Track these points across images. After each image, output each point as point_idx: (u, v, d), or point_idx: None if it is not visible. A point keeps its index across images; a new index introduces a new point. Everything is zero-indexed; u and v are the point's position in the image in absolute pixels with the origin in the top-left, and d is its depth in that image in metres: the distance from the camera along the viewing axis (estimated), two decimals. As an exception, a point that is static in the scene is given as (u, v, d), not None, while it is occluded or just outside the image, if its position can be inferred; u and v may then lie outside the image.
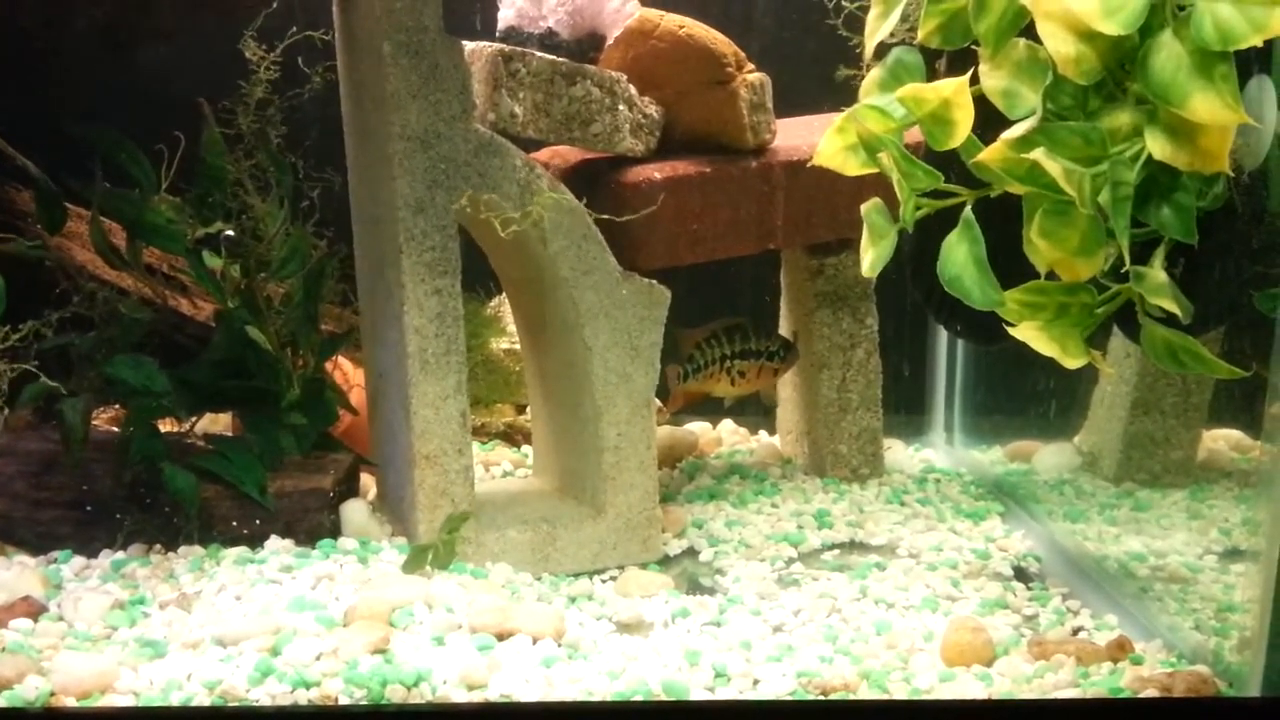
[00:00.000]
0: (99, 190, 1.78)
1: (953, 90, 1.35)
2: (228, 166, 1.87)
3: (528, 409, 2.32)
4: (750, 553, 1.82)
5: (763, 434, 2.42)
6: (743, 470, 2.16)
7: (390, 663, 1.27)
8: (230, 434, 2.01)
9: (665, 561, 1.80)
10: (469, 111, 1.65)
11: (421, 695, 1.22)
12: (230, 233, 2.00)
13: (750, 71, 1.91)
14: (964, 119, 1.35)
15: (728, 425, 2.44)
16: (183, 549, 1.68)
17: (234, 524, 1.70)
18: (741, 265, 2.04)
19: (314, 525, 1.71)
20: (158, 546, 1.70)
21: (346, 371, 2.10)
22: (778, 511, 1.96)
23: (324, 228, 1.95)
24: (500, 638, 1.35)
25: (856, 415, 2.09)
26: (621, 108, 1.85)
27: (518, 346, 2.29)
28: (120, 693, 1.25)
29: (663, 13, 1.92)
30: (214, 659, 1.29)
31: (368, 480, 1.94)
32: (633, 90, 1.85)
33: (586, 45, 1.86)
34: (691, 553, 1.85)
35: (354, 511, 1.73)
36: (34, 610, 1.49)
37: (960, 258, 1.33)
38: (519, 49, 1.79)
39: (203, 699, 1.21)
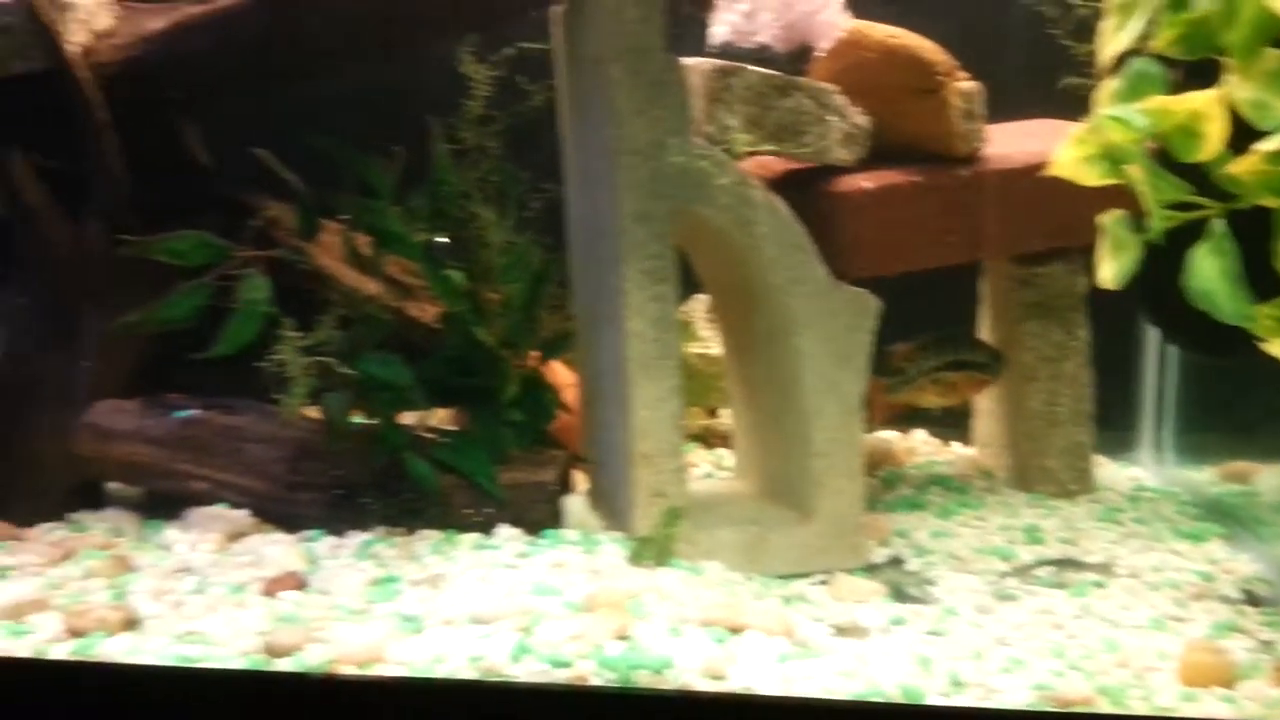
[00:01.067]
0: (351, 201, 1.93)
1: (1203, 103, 1.33)
2: (456, 179, 2.00)
3: (722, 412, 2.38)
4: (960, 565, 1.80)
5: (955, 445, 2.40)
6: (943, 481, 2.14)
7: (635, 649, 1.33)
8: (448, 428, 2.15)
9: (870, 569, 1.80)
10: (688, 126, 1.72)
11: (666, 682, 1.28)
12: (445, 240, 2.15)
13: (961, 79, 1.91)
14: (1215, 132, 1.33)
15: (919, 435, 2.43)
16: (422, 532, 1.79)
17: (468, 512, 1.80)
18: (934, 274, 2.04)
19: (540, 516, 1.79)
20: (400, 529, 1.81)
21: (557, 372, 2.20)
22: (984, 525, 1.93)
23: (540, 236, 2.06)
24: (733, 631, 1.40)
25: (1065, 429, 2.04)
26: (832, 118, 1.87)
27: (710, 351, 2.36)
28: (391, 662, 1.34)
29: (872, 23, 1.95)
30: (473, 636, 1.37)
31: (577, 476, 2.03)
32: (843, 101, 1.88)
33: (798, 58, 1.90)
34: (896, 562, 1.85)
35: (575, 505, 1.81)
36: (299, 583, 1.61)
37: (1210, 271, 1.30)
38: (734, 64, 1.84)
39: (467, 672, 1.30)
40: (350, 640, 1.38)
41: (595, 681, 1.25)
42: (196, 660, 1.39)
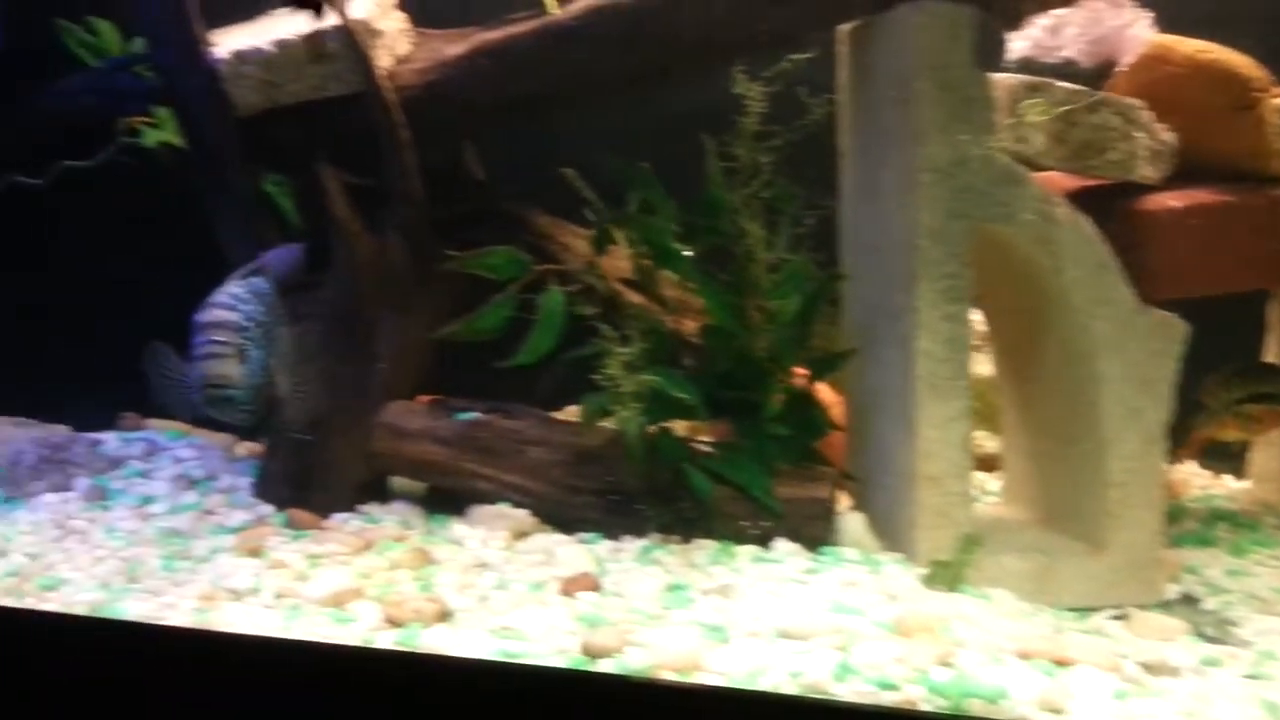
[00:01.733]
0: (632, 218, 1.98)
1: None
2: (727, 195, 2.01)
3: (979, 434, 2.31)
4: (1264, 606, 1.68)
5: (1226, 478, 2.26)
6: (1229, 517, 2.01)
7: (963, 677, 1.30)
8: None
9: (1164, 606, 1.72)
10: (992, 142, 1.68)
11: (1000, 712, 1.24)
12: (691, 253, 2.17)
13: (1278, 95, 1.80)
14: None
15: (1189, 466, 2.29)
16: (698, 541, 1.80)
17: (743, 523, 1.81)
18: (1216, 298, 1.92)
19: (816, 532, 1.78)
20: (675, 537, 1.84)
21: (818, 389, 2.18)
22: (1283, 564, 1.82)
23: (813, 252, 2.05)
24: (1059, 665, 1.35)
25: (1372, 466, 1.90)
26: (1138, 135, 1.79)
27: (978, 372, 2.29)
28: (709, 671, 1.35)
29: (1180, 37, 1.86)
30: (787, 651, 1.37)
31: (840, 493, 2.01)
32: (1149, 117, 1.79)
33: (1100, 73, 1.83)
34: (1190, 600, 1.74)
35: (853, 523, 1.79)
36: (594, 585, 1.65)
37: None
38: (1043, 80, 1.78)
39: (788, 687, 1.29)
40: (666, 646, 1.40)
41: (925, 707, 1.23)
42: (517, 656, 1.44)
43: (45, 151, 2.11)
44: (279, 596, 1.64)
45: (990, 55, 1.86)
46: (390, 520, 2.01)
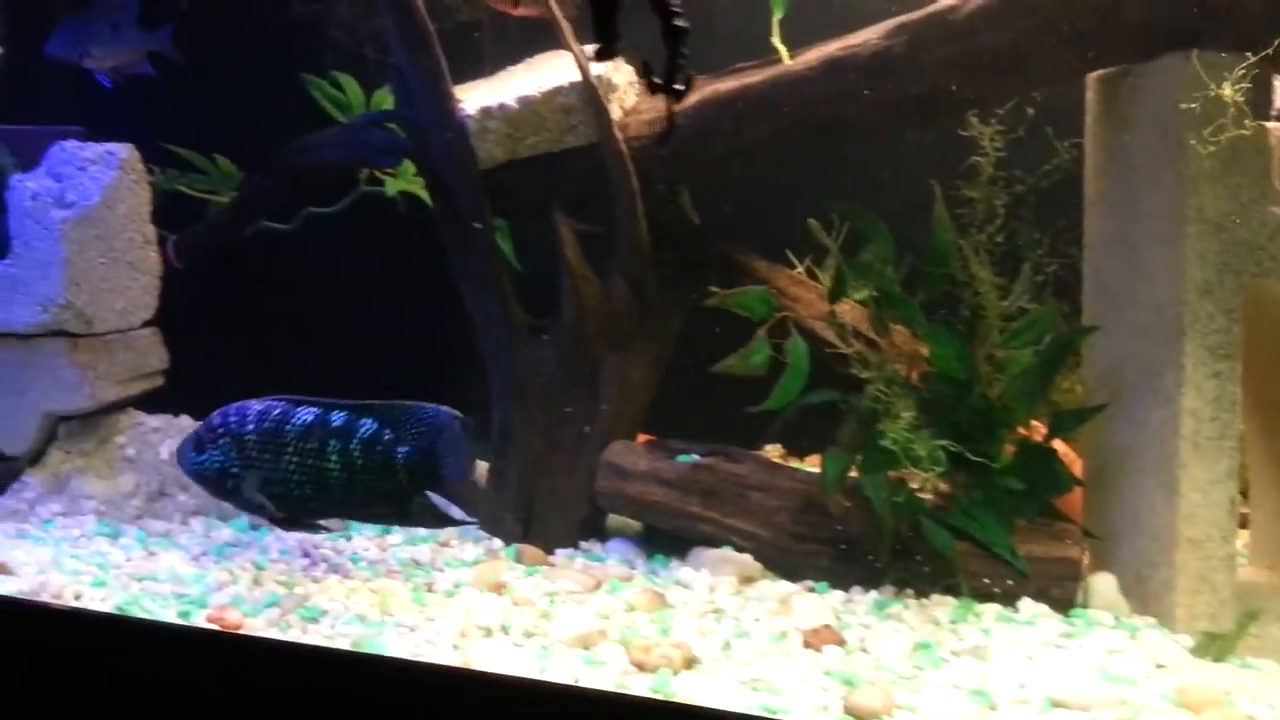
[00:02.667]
0: (865, 265, 1.94)
1: None
2: (957, 241, 1.98)
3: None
4: None
5: None
6: None
7: (1272, 762, 1.24)
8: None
9: None
10: (1267, 195, 1.60)
11: (1318, 803, 1.17)
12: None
13: None
14: None
15: None
16: (934, 597, 1.76)
17: (984, 581, 1.75)
18: None
19: (1064, 593, 1.71)
20: (909, 591, 1.80)
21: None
22: None
23: (1054, 300, 1.99)
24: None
25: None
26: None
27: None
28: (990, 741, 1.32)
29: None
30: (1066, 721, 1.33)
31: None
32: None
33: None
34: None
35: (1103, 585, 1.71)
36: (837, 639, 1.62)
37: None
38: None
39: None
40: (935, 711, 1.37)
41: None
42: (777, 712, 1.43)
43: (297, 200, 2.24)
44: (527, 635, 1.68)
45: (1262, 104, 1.78)
46: (612, 559, 2.03)
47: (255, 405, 1.78)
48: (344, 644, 1.66)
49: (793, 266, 2.13)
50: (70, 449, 2.13)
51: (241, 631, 1.70)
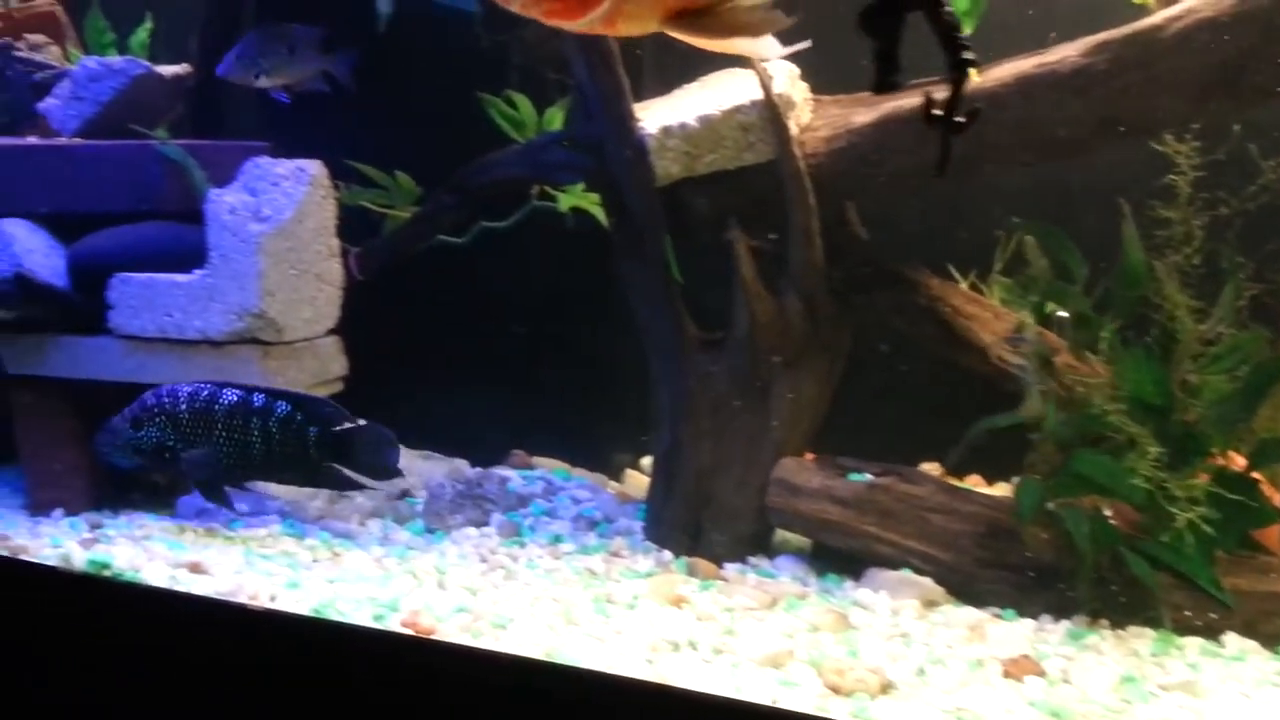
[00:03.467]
0: (1054, 285, 1.91)
1: None
2: (1150, 262, 1.90)
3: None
4: None
5: None
6: None
7: None
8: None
9: None
10: None
11: None
12: (1064, 314, 2.06)
13: None
14: None
15: None
16: (1130, 628, 1.70)
17: (1185, 613, 1.68)
18: None
19: (1274, 629, 1.64)
20: (1103, 621, 1.75)
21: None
22: None
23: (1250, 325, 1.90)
24: None
25: None
26: None
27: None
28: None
29: None
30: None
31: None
32: None
33: None
34: None
35: (1315, 623, 1.65)
36: (1037, 669, 1.57)
37: None
38: None
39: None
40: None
41: None
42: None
43: (473, 215, 2.29)
44: (716, 652, 1.68)
45: None
46: (784, 576, 2.01)
47: (183, 388, 2.10)
48: (538, 654, 1.68)
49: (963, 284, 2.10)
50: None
51: (436, 637, 1.74)
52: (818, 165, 2.03)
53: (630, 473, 2.55)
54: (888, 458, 2.07)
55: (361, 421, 2.09)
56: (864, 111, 2.04)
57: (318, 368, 2.30)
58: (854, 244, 2.10)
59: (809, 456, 2.10)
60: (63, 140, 2.35)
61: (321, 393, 2.33)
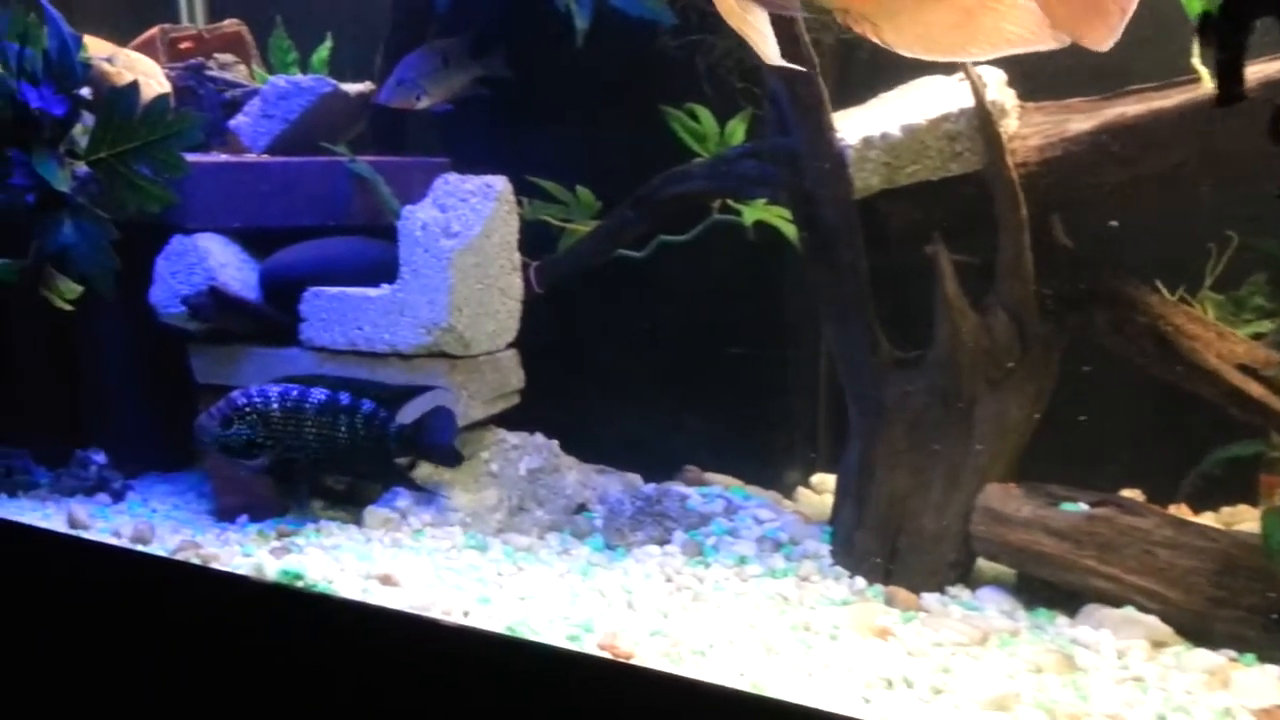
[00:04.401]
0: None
1: None
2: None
3: None
4: None
5: None
6: None
7: None
8: None
9: None
10: None
11: None
12: None
13: None
14: None
15: None
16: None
17: None
18: None
19: None
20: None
21: None
22: None
23: None
24: None
25: None
26: None
27: None
28: None
29: None
30: None
31: None
32: None
33: None
34: None
35: None
36: (1300, 725, 1.48)
37: None
38: None
39: None
40: None
41: None
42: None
43: (656, 229, 2.24)
44: (935, 691, 1.58)
45: None
46: (989, 609, 1.90)
47: (272, 387, 2.14)
48: (743, 685, 1.61)
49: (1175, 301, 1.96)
50: (431, 458, 2.20)
51: (635, 662, 1.69)
52: (1029, 175, 1.91)
53: (802, 490, 2.48)
54: (1085, 484, 1.95)
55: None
56: (1078, 119, 1.92)
57: (498, 381, 2.29)
58: (1066, 258, 1.98)
59: (1014, 484, 1.99)
60: (255, 157, 2.41)
61: (499, 406, 2.33)
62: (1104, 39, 1.23)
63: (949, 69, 2.06)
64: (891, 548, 1.99)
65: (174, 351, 2.41)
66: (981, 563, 2.00)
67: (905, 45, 1.31)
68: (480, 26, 2.36)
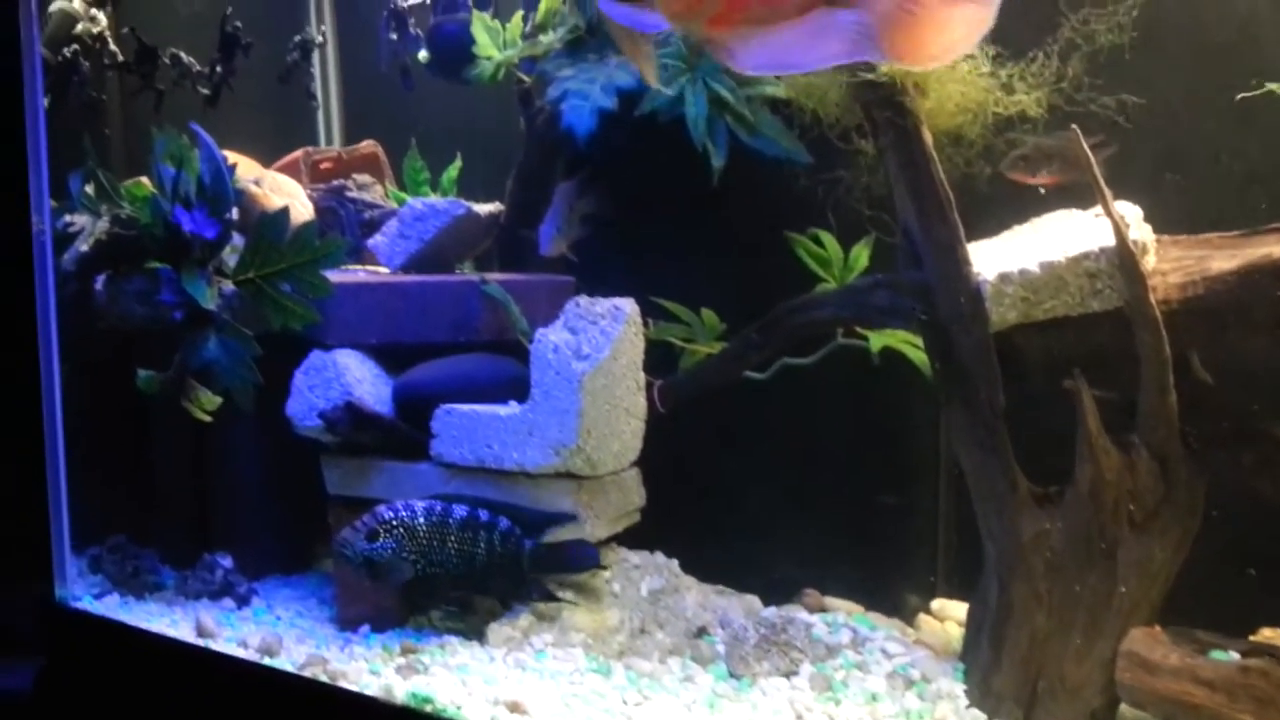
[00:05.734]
0: None
1: None
2: None
3: None
4: None
5: None
6: None
7: None
8: None
9: None
10: None
11: None
12: None
13: None
14: None
15: None
16: None
17: None
18: None
19: None
20: None
21: None
22: None
23: None
24: None
25: None
26: None
27: None
28: None
29: None
30: None
31: None
32: None
33: None
34: None
35: None
36: None
37: None
38: None
39: None
40: None
41: None
42: None
43: (781, 353, 2.25)
44: None
45: None
46: (1141, 761, 1.83)
47: (418, 503, 2.18)
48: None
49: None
50: (562, 581, 2.19)
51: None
52: (1171, 313, 1.88)
53: (924, 618, 2.41)
54: (1225, 629, 1.87)
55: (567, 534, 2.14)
56: (1220, 257, 1.89)
57: (621, 500, 2.29)
58: (1209, 396, 1.92)
59: (1158, 629, 1.91)
60: (392, 276, 2.48)
61: (622, 525, 2.33)
62: (921, 63, 1.55)
63: (1075, 202, 2.07)
64: (1031, 692, 1.92)
65: (305, 461, 2.47)
66: (1125, 709, 1.92)
67: (755, 66, 1.58)
68: (602, 161, 2.42)
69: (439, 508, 2.15)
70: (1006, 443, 1.96)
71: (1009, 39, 1.99)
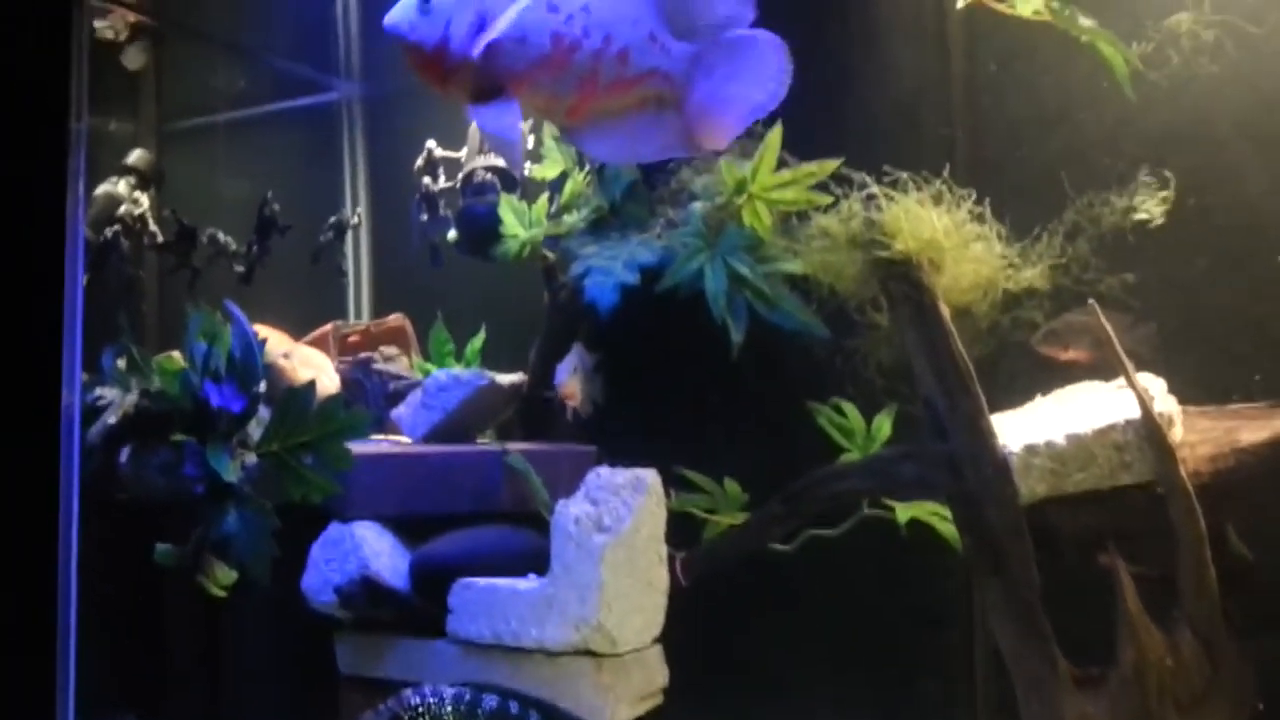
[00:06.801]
0: None
1: None
2: None
3: None
4: None
5: None
6: None
7: None
8: None
9: None
10: None
11: None
12: None
13: None
14: None
15: None
16: None
17: None
18: None
19: None
20: None
21: None
22: None
23: None
24: None
25: None
26: None
27: None
28: None
29: None
30: None
31: None
32: None
33: None
34: None
35: None
36: None
37: None
38: None
39: None
40: None
41: None
42: None
43: (806, 524, 2.21)
44: None
45: None
46: None
47: (446, 690, 2.08)
48: None
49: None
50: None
51: None
52: (1202, 486, 1.85)
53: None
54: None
55: None
56: (1249, 428, 1.87)
57: (644, 679, 2.19)
58: (1250, 573, 1.86)
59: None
60: (414, 447, 2.47)
61: (645, 706, 2.22)
62: (719, 146, 1.90)
63: (1099, 375, 2.07)
64: None
65: (317, 637, 2.39)
66: None
67: (602, 155, 2.07)
68: (623, 333, 2.45)
69: (468, 696, 2.04)
70: (1044, 621, 1.89)
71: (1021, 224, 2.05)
